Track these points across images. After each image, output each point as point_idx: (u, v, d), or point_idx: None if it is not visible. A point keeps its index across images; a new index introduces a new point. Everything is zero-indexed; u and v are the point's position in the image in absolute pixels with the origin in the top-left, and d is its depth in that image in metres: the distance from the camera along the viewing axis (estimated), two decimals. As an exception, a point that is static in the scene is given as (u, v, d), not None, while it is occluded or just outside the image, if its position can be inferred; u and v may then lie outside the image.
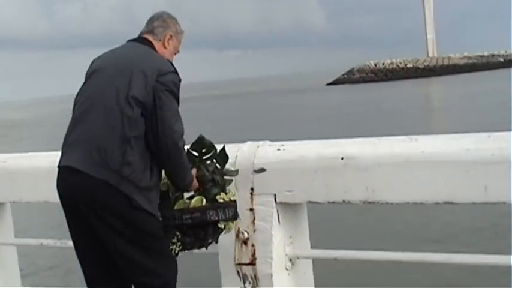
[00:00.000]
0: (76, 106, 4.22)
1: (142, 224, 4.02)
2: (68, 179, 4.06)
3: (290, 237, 4.81)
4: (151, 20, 4.39)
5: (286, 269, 4.78)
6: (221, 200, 4.42)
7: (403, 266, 7.93)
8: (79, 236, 4.19)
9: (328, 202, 4.57)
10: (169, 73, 4.09)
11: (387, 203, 4.41)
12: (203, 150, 4.46)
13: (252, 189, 4.72)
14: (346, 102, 57.45)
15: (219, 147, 4.54)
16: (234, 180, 4.67)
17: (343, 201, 4.50)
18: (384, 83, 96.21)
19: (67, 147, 4.15)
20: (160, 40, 4.33)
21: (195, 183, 4.35)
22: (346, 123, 31.38)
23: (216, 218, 4.38)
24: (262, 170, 4.70)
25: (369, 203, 4.44)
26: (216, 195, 4.41)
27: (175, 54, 4.40)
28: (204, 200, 4.39)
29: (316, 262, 5.15)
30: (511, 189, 4.03)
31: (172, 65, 4.21)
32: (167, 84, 4.04)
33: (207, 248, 4.54)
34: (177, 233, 4.37)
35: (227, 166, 4.61)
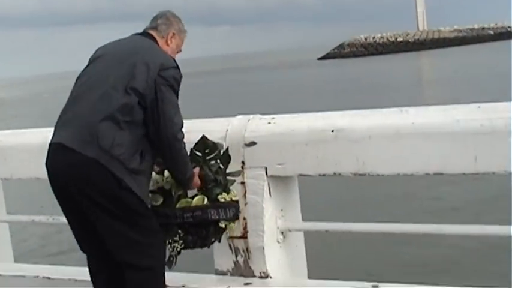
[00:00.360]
0: (74, 88, 4.27)
1: (131, 203, 4.03)
2: (58, 155, 4.07)
3: (281, 210, 4.82)
4: (155, 18, 4.46)
5: (278, 242, 4.80)
6: (222, 200, 4.49)
7: (395, 238, 7.96)
8: (69, 213, 4.20)
9: (319, 175, 4.58)
10: (171, 68, 4.15)
11: (378, 174, 4.42)
12: (206, 151, 4.53)
13: (243, 162, 4.73)
14: (337, 76, 57.41)
15: (223, 146, 4.58)
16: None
17: (334, 173, 4.51)
18: (375, 57, 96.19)
19: (60, 125, 4.17)
20: (163, 37, 4.39)
21: (197, 180, 4.40)
22: (337, 97, 31.37)
23: (217, 217, 4.45)
24: (253, 143, 4.70)
25: (360, 175, 4.45)
26: (218, 195, 4.48)
27: (177, 52, 4.46)
28: (206, 199, 4.45)
29: (308, 235, 5.18)
30: (501, 159, 4.05)
31: (175, 61, 4.26)
32: (168, 79, 4.10)
33: (209, 247, 4.59)
34: (179, 231, 4.43)
35: (219, 141, 4.63)
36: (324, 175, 4.57)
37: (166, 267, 4.38)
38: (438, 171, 4.25)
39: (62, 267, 6.04)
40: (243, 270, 4.70)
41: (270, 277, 4.71)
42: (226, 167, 4.59)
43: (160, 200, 4.45)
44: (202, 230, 4.47)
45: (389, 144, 4.33)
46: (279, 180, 4.76)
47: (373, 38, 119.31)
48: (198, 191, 4.47)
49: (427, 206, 10.43)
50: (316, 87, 45.72)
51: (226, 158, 4.60)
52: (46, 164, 4.16)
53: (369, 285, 4.42)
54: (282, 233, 4.83)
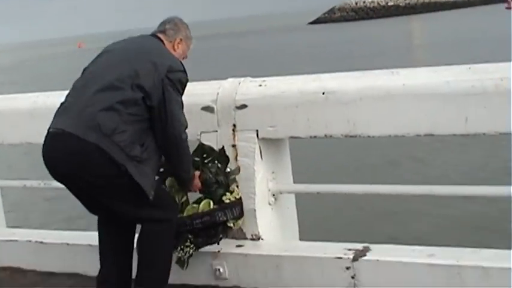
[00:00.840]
0: (78, 78, 4.32)
1: (131, 191, 4.04)
2: (57, 141, 4.06)
3: (273, 172, 4.84)
4: (163, 23, 4.52)
5: (270, 204, 4.82)
6: (227, 201, 4.53)
7: (386, 199, 8.00)
8: (71, 191, 4.22)
9: (310, 137, 4.58)
10: (179, 72, 4.21)
11: (369, 136, 4.43)
12: (204, 155, 4.58)
13: (234, 125, 4.73)
14: (328, 41, 57.19)
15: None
16: (217, 119, 4.69)
17: (325, 135, 4.52)
18: (365, 22, 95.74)
19: (60, 112, 4.18)
20: (171, 42, 4.44)
21: (197, 182, 4.47)
22: (328, 62, 31.29)
23: (225, 219, 4.51)
24: (244, 106, 4.70)
25: (351, 136, 4.46)
26: (222, 195, 4.53)
27: (183, 59, 4.48)
28: (212, 203, 4.50)
29: (299, 197, 5.20)
30: (492, 120, 4.06)
31: (182, 65, 4.31)
32: (175, 81, 4.16)
33: (218, 243, 4.63)
34: (190, 236, 4.49)
35: (209, 104, 4.64)
36: (315, 137, 4.57)
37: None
38: (429, 133, 4.26)
39: (55, 232, 6.06)
40: (235, 232, 4.72)
41: (262, 239, 4.73)
42: (225, 167, 4.63)
43: None
44: (211, 231, 4.54)
45: (380, 106, 4.33)
46: (270, 143, 4.77)
47: (364, 2, 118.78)
48: (200, 192, 4.55)
49: (419, 168, 10.45)
50: (307, 52, 45.55)
51: (223, 158, 4.64)
52: (44, 150, 4.14)
53: (360, 246, 4.45)
54: (274, 195, 4.84)
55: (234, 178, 4.65)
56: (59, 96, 5.57)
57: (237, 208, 4.57)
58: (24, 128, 5.67)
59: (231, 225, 4.57)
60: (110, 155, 3.93)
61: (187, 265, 4.55)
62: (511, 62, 4.17)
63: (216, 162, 4.60)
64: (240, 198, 4.61)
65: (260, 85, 4.74)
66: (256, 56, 47.06)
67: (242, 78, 4.87)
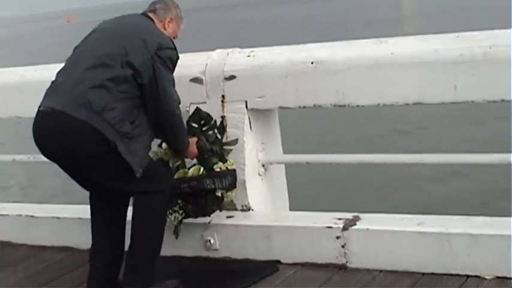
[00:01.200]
0: (69, 57, 4.30)
1: (120, 168, 4.03)
2: (47, 120, 4.04)
3: (262, 143, 4.83)
4: (153, 3, 4.50)
5: (259, 175, 4.83)
6: (218, 169, 4.52)
7: (375, 168, 8.02)
8: (63, 168, 4.21)
9: (299, 107, 4.58)
10: (168, 49, 4.19)
11: (358, 105, 4.43)
12: (201, 122, 4.58)
13: (223, 96, 4.72)
14: (317, 12, 57.04)
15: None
16: (205, 90, 4.68)
17: (314, 105, 4.52)
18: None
19: (50, 92, 4.16)
20: (161, 21, 4.43)
21: (194, 149, 4.47)
22: (317, 33, 31.16)
23: (213, 187, 4.50)
24: (232, 77, 4.69)
25: (340, 106, 4.46)
26: (213, 164, 4.53)
27: (173, 38, 4.45)
28: (202, 169, 4.51)
29: (289, 167, 5.21)
30: (480, 88, 4.07)
31: (173, 42, 4.29)
32: (165, 58, 4.14)
33: (209, 215, 4.63)
34: (179, 201, 4.51)
35: (198, 75, 4.63)
36: (304, 107, 4.57)
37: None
38: (417, 101, 4.26)
39: (45, 206, 6.06)
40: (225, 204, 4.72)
41: (252, 210, 4.75)
42: (222, 137, 4.64)
43: None
44: (201, 199, 4.55)
45: (369, 75, 4.33)
46: (259, 114, 4.76)
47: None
48: (196, 160, 4.55)
49: (408, 137, 10.46)
50: (296, 23, 45.42)
51: (221, 128, 4.65)
52: (34, 129, 4.12)
53: (350, 215, 4.46)
54: (263, 166, 4.85)
55: (230, 149, 4.65)
56: (47, 70, 5.59)
57: (228, 178, 4.55)
58: (13, 102, 5.66)
59: (220, 195, 4.55)
60: (100, 132, 3.92)
61: (178, 234, 4.59)
62: (500, 30, 4.17)
63: (215, 131, 4.61)
64: (234, 170, 4.59)
65: (248, 56, 4.73)
66: (247, 28, 46.84)
67: (230, 49, 4.86)
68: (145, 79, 4.06)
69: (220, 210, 4.69)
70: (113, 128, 3.95)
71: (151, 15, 4.43)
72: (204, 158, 4.55)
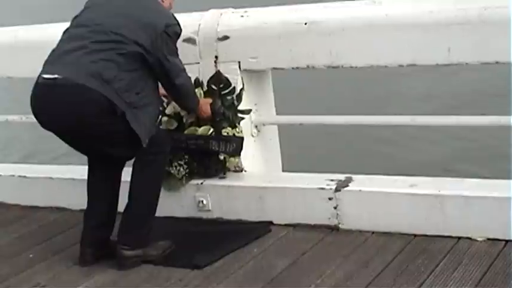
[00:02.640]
0: (70, 27, 4.27)
1: (128, 136, 4.03)
2: (53, 89, 4.00)
3: (255, 104, 4.82)
4: None
5: (252, 136, 4.82)
6: (225, 133, 4.57)
7: (368, 130, 8.02)
8: (63, 139, 4.22)
9: (293, 68, 4.57)
10: (174, 25, 4.24)
11: (351, 66, 4.42)
12: (221, 85, 4.64)
13: (216, 57, 4.70)
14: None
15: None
16: (199, 51, 4.68)
17: (307, 66, 4.50)
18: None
19: (53, 59, 4.12)
20: None
21: (206, 109, 4.56)
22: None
23: (217, 149, 4.57)
24: (225, 37, 4.66)
25: (333, 67, 4.45)
26: (223, 128, 4.59)
27: (169, 9, 4.45)
28: (212, 130, 4.57)
29: (282, 129, 5.20)
30: (474, 50, 4.05)
31: (175, 17, 4.31)
32: (172, 35, 4.20)
33: (211, 176, 4.71)
34: (185, 156, 4.63)
35: (191, 35, 4.61)
36: (297, 68, 4.56)
37: None
38: (411, 63, 4.25)
39: (38, 166, 6.06)
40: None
41: (245, 171, 4.75)
42: (238, 104, 4.67)
43: (175, 125, 4.69)
44: (205, 159, 4.64)
45: (362, 36, 4.31)
46: (252, 74, 4.75)
47: None
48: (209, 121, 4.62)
49: (403, 98, 10.40)
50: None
51: (239, 96, 4.67)
52: (36, 100, 4.09)
53: (342, 176, 4.47)
54: (256, 126, 4.84)
55: (242, 118, 4.68)
56: (39, 30, 5.55)
57: (233, 144, 4.59)
58: (5, 62, 5.61)
59: (222, 158, 4.60)
60: (111, 102, 3.92)
61: (181, 186, 4.69)
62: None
63: (233, 96, 4.65)
64: (241, 138, 4.62)
65: (242, 16, 4.70)
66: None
67: (224, 10, 4.82)
68: (153, 56, 4.09)
69: (224, 174, 4.71)
70: (120, 97, 3.96)
71: None
72: (215, 120, 4.59)
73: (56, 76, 3.99)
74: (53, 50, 4.18)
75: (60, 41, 4.22)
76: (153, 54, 4.09)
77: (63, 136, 4.16)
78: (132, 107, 4.00)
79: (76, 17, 4.32)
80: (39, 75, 4.07)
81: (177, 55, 4.28)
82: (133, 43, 4.04)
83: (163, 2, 4.42)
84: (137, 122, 4.02)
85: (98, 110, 3.95)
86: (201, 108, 4.55)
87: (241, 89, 4.68)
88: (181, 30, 4.31)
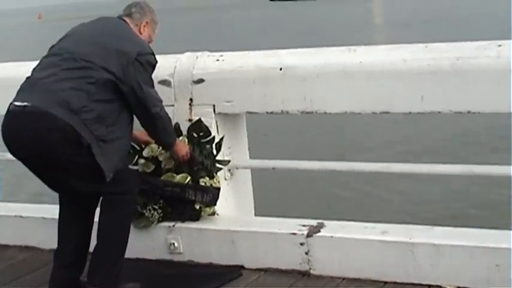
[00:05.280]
0: (46, 56, 4.28)
1: (93, 169, 3.99)
2: (23, 117, 3.97)
3: (229, 147, 4.83)
4: (129, 7, 4.51)
5: (225, 179, 4.82)
6: (203, 183, 4.56)
7: (341, 176, 8.05)
8: (32, 170, 4.17)
9: (267, 112, 4.59)
10: (148, 54, 4.22)
11: (325, 112, 4.45)
12: (200, 134, 4.63)
13: (191, 100, 4.72)
14: (289, 18, 57.13)
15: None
16: (174, 93, 4.69)
17: (282, 111, 4.53)
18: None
19: (26, 87, 4.12)
20: (136, 25, 4.44)
21: (183, 148, 4.53)
22: (287, 38, 31.24)
23: (193, 199, 4.56)
24: (201, 80, 4.69)
25: (307, 113, 4.47)
26: (200, 177, 4.57)
27: (148, 42, 4.47)
28: (189, 179, 4.55)
29: (255, 173, 5.21)
30: (447, 99, 4.10)
31: (150, 47, 4.32)
32: (144, 63, 4.16)
33: (183, 221, 4.66)
34: (161, 201, 4.61)
35: (166, 78, 4.63)
36: (271, 113, 4.58)
37: None
38: (385, 110, 4.29)
39: (8, 204, 6.00)
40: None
41: (217, 214, 4.73)
42: (217, 154, 4.67)
43: (152, 168, 4.63)
44: (180, 207, 4.62)
45: (337, 83, 4.35)
46: (226, 118, 4.77)
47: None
48: (184, 167, 4.59)
49: (376, 145, 10.51)
50: (267, 28, 45.43)
51: (219, 146, 4.68)
52: (5, 128, 4.06)
53: (314, 222, 4.47)
54: (230, 170, 4.85)
55: (220, 168, 4.68)
56: (15, 67, 5.54)
57: (209, 194, 4.59)
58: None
59: (198, 208, 4.60)
60: (77, 132, 3.89)
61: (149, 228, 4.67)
62: (467, 42, 4.21)
63: (212, 146, 4.65)
64: (219, 188, 4.62)
65: (218, 59, 4.73)
66: (214, 30, 46.83)
67: (200, 53, 4.86)
68: (126, 84, 4.07)
69: (197, 220, 4.68)
70: (88, 129, 3.93)
71: (127, 19, 4.43)
72: (193, 169, 4.57)
73: (25, 104, 3.97)
74: (27, 78, 4.18)
75: (34, 69, 4.21)
76: (126, 83, 4.06)
77: (30, 165, 4.11)
78: (99, 139, 3.96)
79: (52, 46, 4.32)
80: (11, 103, 4.07)
81: (152, 86, 4.25)
82: (102, 70, 4.02)
83: (141, 34, 4.42)
84: (103, 155, 3.98)
85: (63, 139, 3.91)
86: (178, 146, 4.50)
87: (221, 139, 4.70)
88: (156, 60, 4.28)
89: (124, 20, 4.43)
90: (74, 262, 4.29)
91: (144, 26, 4.47)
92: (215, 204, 4.65)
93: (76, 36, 4.31)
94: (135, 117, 4.26)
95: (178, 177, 4.58)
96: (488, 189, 8.09)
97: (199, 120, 4.67)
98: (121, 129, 4.13)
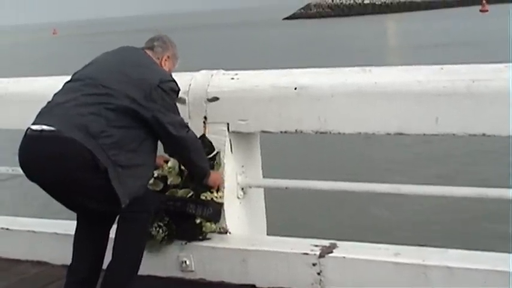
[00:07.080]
0: (68, 81, 4.31)
1: (109, 193, 3.98)
2: (40, 141, 3.98)
3: (242, 166, 4.83)
4: (151, 40, 4.55)
5: (238, 198, 4.82)
6: (203, 198, 4.56)
7: (354, 196, 8.03)
8: (49, 193, 4.17)
9: (281, 132, 4.59)
10: (169, 81, 4.26)
11: (339, 133, 4.44)
12: (205, 149, 4.61)
13: (205, 117, 4.72)
14: (303, 37, 57.24)
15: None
16: (188, 111, 4.69)
17: (296, 130, 4.52)
18: (341, 19, 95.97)
19: (46, 109, 4.14)
20: (158, 59, 4.46)
21: (217, 177, 4.59)
22: (301, 58, 31.30)
23: (193, 212, 4.56)
24: (215, 98, 4.69)
25: (321, 133, 4.47)
26: (202, 192, 4.58)
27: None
28: (191, 194, 4.56)
29: (268, 192, 5.20)
30: (462, 121, 4.09)
31: (171, 75, 4.37)
32: (168, 90, 4.20)
33: (189, 241, 4.66)
34: (166, 218, 4.60)
35: (181, 95, 4.63)
36: (285, 132, 4.58)
37: None
38: (399, 131, 4.28)
39: (21, 219, 6.00)
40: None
41: (229, 233, 4.72)
42: (219, 169, 4.66)
43: (161, 186, 4.65)
44: (183, 223, 4.62)
45: (351, 103, 4.34)
46: (240, 137, 4.76)
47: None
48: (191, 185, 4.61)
49: (388, 166, 10.49)
50: (281, 47, 45.57)
51: (220, 162, 4.68)
52: (23, 152, 4.05)
53: (327, 242, 4.46)
54: (243, 189, 4.84)
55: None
56: (29, 82, 5.56)
57: (209, 209, 4.58)
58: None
59: (198, 222, 4.58)
60: (94, 156, 3.89)
61: (157, 249, 4.63)
62: (483, 64, 4.20)
63: (215, 161, 4.65)
64: (221, 203, 4.62)
65: (232, 78, 4.74)
66: (230, 49, 47.00)
67: (215, 71, 4.87)
68: (149, 111, 4.08)
69: (202, 239, 4.67)
70: (105, 153, 3.92)
71: (148, 52, 4.45)
72: (196, 183, 4.58)
73: (42, 128, 3.98)
74: (48, 102, 4.19)
75: (55, 94, 4.24)
76: (149, 109, 4.08)
77: (47, 189, 4.11)
78: (117, 164, 3.96)
79: (75, 73, 4.35)
80: (28, 127, 4.07)
81: (177, 112, 4.28)
82: (123, 97, 4.04)
83: (163, 66, 4.45)
84: (119, 181, 3.97)
85: (80, 163, 3.91)
86: (213, 175, 4.54)
87: (215, 155, 4.67)
88: (178, 88, 4.32)
89: (147, 52, 4.46)
90: (87, 279, 4.28)
91: (166, 60, 4.49)
92: (217, 220, 4.64)
93: (99, 64, 4.34)
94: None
95: (180, 192, 4.59)
96: (503, 211, 8.05)
97: (204, 135, 4.68)
98: (142, 156, 4.14)
